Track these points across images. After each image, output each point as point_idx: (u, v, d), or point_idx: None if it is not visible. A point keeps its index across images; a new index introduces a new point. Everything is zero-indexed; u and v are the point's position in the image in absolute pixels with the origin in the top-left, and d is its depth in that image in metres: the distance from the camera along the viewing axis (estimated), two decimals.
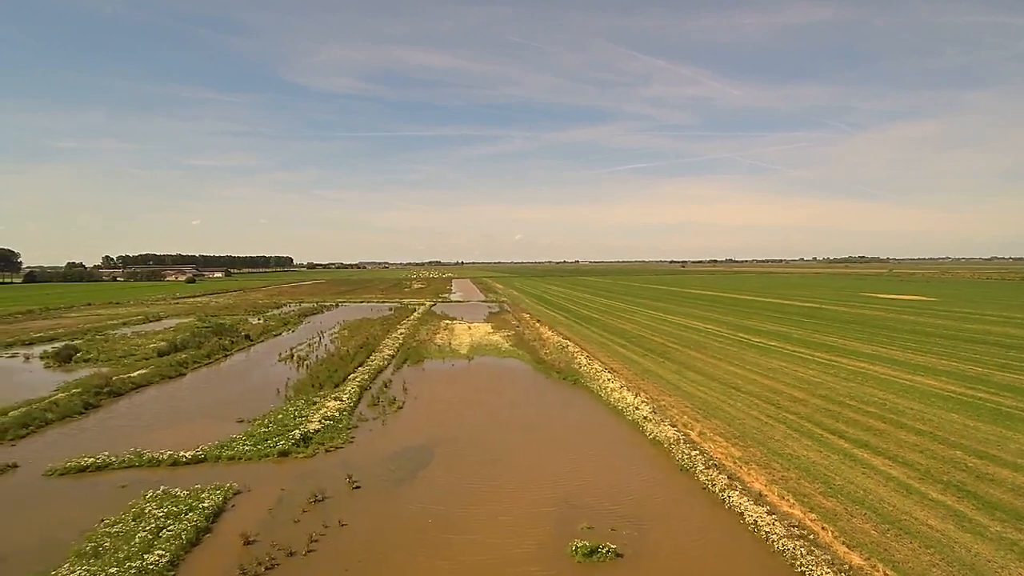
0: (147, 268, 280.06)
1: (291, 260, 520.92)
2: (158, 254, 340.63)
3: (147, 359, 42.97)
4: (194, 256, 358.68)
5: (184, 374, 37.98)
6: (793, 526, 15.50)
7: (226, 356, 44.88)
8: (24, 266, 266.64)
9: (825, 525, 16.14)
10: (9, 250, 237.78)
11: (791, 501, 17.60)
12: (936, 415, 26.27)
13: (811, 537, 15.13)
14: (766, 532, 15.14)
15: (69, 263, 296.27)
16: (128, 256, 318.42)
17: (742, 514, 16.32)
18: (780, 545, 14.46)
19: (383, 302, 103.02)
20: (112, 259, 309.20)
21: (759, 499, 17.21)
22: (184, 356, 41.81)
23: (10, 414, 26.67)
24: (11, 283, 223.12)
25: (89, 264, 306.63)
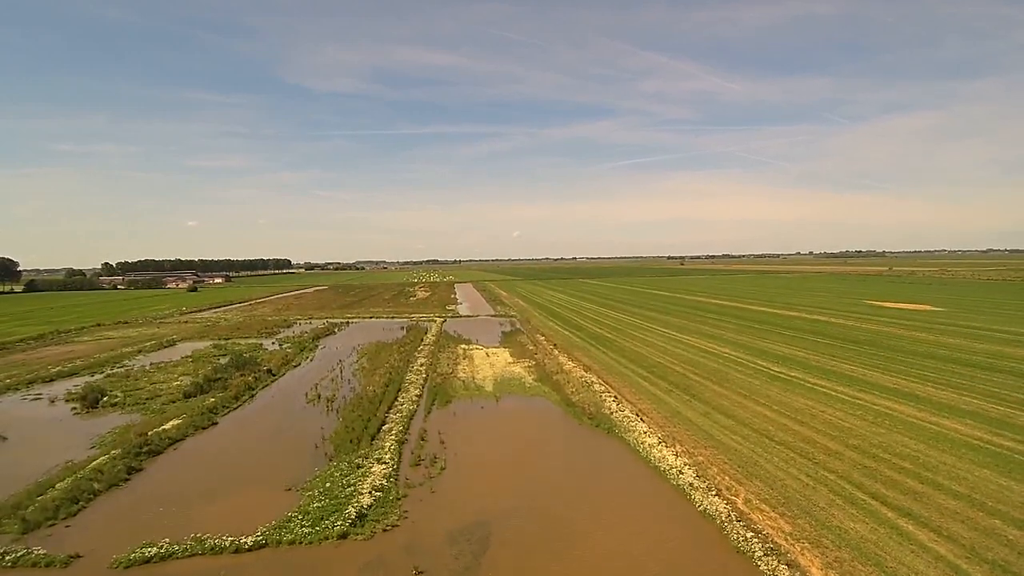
0: (147, 275, 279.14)
1: (289, 262, 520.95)
2: (157, 259, 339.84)
3: (175, 402, 43.22)
4: (193, 261, 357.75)
5: (216, 422, 38.21)
6: None
7: (252, 397, 45.12)
8: (22, 270, 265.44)
9: None
10: (9, 259, 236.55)
11: None
12: (969, 472, 26.76)
13: None
14: None
15: (69, 271, 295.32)
16: (127, 262, 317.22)
17: None
18: None
19: (392, 318, 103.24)
20: (112, 266, 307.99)
21: None
22: (213, 400, 42.03)
23: (57, 486, 26.92)
24: (12, 293, 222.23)
25: (87, 268, 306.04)
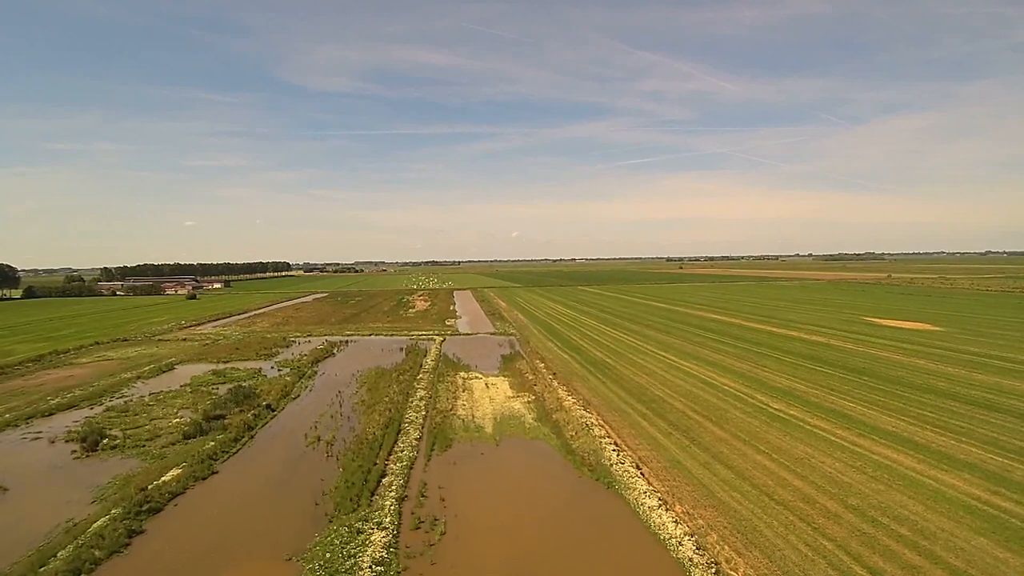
0: (146, 281, 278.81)
1: (288, 264, 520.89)
2: (156, 264, 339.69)
3: (175, 444, 43.27)
4: (192, 265, 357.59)
5: (216, 471, 38.21)
6: None
7: (252, 438, 45.10)
8: (21, 273, 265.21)
9: None
10: (8, 265, 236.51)
11: None
12: (967, 540, 26.81)
13: None
14: None
15: (67, 274, 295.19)
16: (126, 267, 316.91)
17: None
18: None
19: (391, 335, 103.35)
20: (111, 270, 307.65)
21: None
22: (212, 444, 42.08)
23: (59, 554, 26.95)
24: (11, 299, 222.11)
25: (86, 268, 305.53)
